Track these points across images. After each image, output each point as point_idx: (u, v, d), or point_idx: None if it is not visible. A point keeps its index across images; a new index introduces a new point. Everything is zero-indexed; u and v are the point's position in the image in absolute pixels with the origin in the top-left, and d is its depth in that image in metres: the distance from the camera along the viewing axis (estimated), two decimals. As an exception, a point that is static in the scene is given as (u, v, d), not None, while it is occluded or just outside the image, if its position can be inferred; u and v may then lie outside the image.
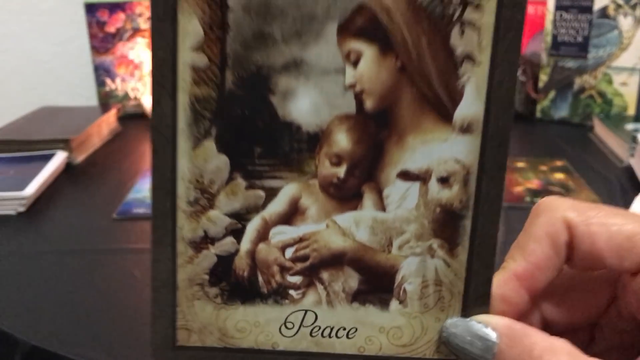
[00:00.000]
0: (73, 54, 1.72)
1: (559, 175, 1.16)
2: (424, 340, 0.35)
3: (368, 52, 0.33)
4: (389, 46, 0.32)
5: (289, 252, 0.35)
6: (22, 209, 1.04)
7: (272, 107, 0.33)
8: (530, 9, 1.58)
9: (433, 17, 0.32)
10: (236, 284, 0.35)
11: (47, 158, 1.20)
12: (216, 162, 0.34)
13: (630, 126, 1.33)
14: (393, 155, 0.34)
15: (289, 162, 0.34)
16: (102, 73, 1.61)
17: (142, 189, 1.13)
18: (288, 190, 0.34)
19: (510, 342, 0.32)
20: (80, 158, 1.29)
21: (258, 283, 0.35)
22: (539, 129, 1.53)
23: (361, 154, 0.34)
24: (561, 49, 1.50)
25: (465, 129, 0.33)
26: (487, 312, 0.34)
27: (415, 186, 0.34)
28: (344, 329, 0.35)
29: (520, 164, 1.21)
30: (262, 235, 0.35)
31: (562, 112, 1.54)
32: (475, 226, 0.34)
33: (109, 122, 1.48)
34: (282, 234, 0.35)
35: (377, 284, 0.35)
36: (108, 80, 1.61)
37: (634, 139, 1.19)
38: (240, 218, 0.35)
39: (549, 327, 0.36)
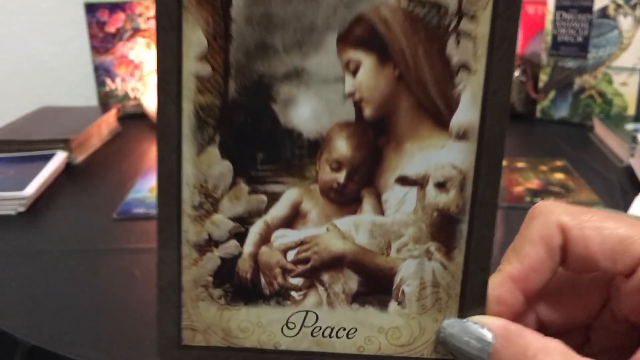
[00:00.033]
0: (73, 54, 1.71)
1: (559, 175, 1.15)
2: (422, 341, 0.36)
3: (367, 61, 0.33)
4: (387, 56, 0.33)
5: (291, 255, 0.36)
6: (22, 209, 1.03)
7: (274, 115, 0.34)
8: (530, 9, 1.57)
9: (430, 28, 0.33)
10: (239, 286, 0.36)
11: (47, 158, 1.19)
12: (220, 167, 0.35)
13: (630, 126, 1.31)
14: (391, 161, 0.35)
15: (290, 167, 0.35)
16: (102, 73, 1.60)
17: (142, 189, 1.12)
18: (289, 195, 0.35)
19: (506, 343, 0.32)
20: (80, 158, 1.28)
21: (261, 285, 0.36)
22: (539, 129, 1.51)
23: (360, 160, 0.35)
24: (561, 49, 1.49)
25: (462, 136, 0.34)
26: (483, 313, 0.35)
27: (413, 191, 0.35)
28: (344, 329, 0.36)
29: (520, 164, 1.20)
30: (265, 239, 0.36)
31: (562, 112, 1.52)
32: (472, 230, 0.35)
33: (109, 122, 1.47)
34: (283, 237, 0.36)
35: (376, 285, 0.36)
36: (108, 80, 1.60)
37: (634, 139, 1.18)
38: (244, 222, 0.35)
39: (544, 328, 0.37)
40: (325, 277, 0.36)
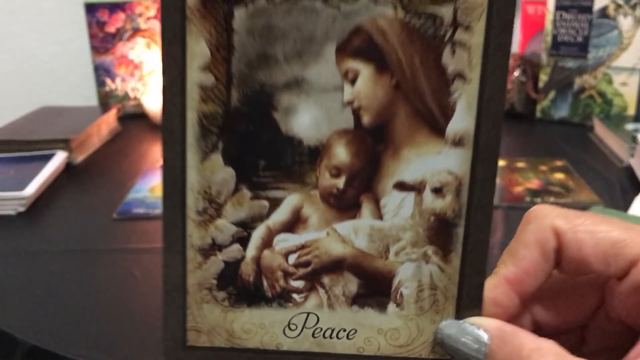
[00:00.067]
0: (73, 54, 1.70)
1: (559, 175, 1.14)
2: (420, 341, 0.36)
3: (365, 71, 0.34)
4: (385, 65, 0.34)
5: (292, 259, 0.36)
6: (22, 209, 1.03)
7: (275, 123, 0.35)
8: (530, 9, 1.57)
9: (426, 38, 0.33)
10: (242, 288, 0.37)
11: (47, 158, 1.18)
12: (223, 174, 0.35)
13: (630, 126, 1.30)
14: (389, 167, 0.35)
15: (291, 174, 0.35)
16: (102, 73, 1.59)
17: (142, 189, 1.11)
18: (291, 201, 0.36)
19: (501, 343, 0.33)
20: (80, 158, 1.28)
21: (263, 287, 0.37)
22: (539, 129, 1.50)
23: (359, 166, 0.35)
24: (561, 49, 1.48)
25: (457, 143, 0.34)
26: (479, 314, 0.35)
27: (411, 196, 0.35)
28: (344, 330, 0.37)
29: (520, 164, 1.20)
30: (267, 243, 0.36)
31: (562, 112, 1.51)
32: (468, 233, 0.35)
33: (109, 122, 1.46)
34: (285, 241, 0.36)
35: (375, 288, 0.36)
36: (108, 80, 1.60)
37: (634, 139, 1.17)
38: (246, 226, 0.36)
39: (540, 329, 0.37)
40: (326, 280, 0.36)
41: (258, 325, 0.37)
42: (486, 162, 0.34)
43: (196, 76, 0.34)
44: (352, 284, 0.36)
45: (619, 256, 0.33)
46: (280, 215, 0.36)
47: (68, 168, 1.23)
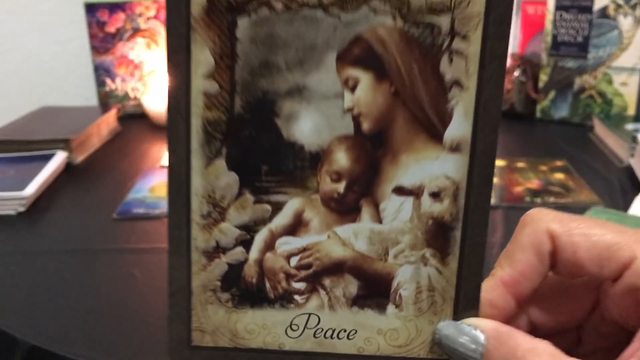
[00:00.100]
0: (73, 54, 1.70)
1: (559, 175, 1.14)
2: (419, 342, 0.37)
3: (364, 78, 0.35)
4: (384, 73, 0.35)
5: (294, 261, 0.37)
6: (22, 209, 1.03)
7: (277, 129, 0.35)
8: (530, 9, 1.56)
9: (424, 47, 0.34)
10: (246, 290, 0.37)
11: (47, 158, 1.18)
12: (226, 179, 0.36)
13: (630, 126, 1.30)
14: (388, 172, 0.36)
15: (293, 178, 0.36)
16: (102, 73, 1.59)
17: (142, 189, 1.11)
18: (292, 205, 0.36)
19: (497, 343, 0.33)
20: (80, 158, 1.28)
21: (265, 289, 0.37)
22: (539, 129, 1.50)
23: (359, 171, 0.36)
24: (561, 49, 1.48)
25: (455, 148, 0.35)
26: (476, 315, 0.36)
27: (409, 200, 0.36)
28: (345, 330, 0.37)
29: (520, 164, 1.20)
30: (269, 246, 0.37)
31: (562, 112, 1.51)
32: (465, 237, 0.36)
33: (109, 122, 1.46)
34: (287, 244, 0.37)
35: (374, 289, 0.37)
36: (108, 80, 1.59)
37: (634, 139, 1.18)
38: (249, 230, 0.37)
39: (536, 330, 0.38)
40: (327, 282, 0.37)
41: (261, 325, 0.38)
42: (483, 167, 0.35)
43: (200, 84, 0.35)
44: (352, 286, 0.37)
45: (613, 259, 0.34)
46: (282, 218, 0.37)
47: (68, 168, 1.23)
